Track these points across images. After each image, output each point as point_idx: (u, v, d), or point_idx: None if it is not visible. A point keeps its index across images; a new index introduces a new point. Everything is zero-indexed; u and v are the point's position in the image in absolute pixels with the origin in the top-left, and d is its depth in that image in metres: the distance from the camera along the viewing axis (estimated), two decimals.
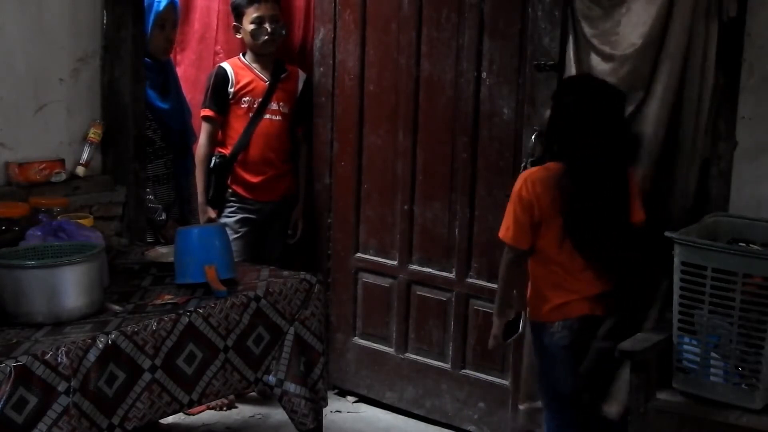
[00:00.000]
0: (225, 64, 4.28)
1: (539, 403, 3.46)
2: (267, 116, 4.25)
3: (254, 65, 4.27)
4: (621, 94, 3.20)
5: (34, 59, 3.40)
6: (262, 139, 4.24)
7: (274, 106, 4.26)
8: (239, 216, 4.26)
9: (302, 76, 4.36)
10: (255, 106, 4.23)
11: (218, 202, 4.25)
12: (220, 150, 4.26)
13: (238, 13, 4.25)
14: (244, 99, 4.23)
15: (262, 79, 4.25)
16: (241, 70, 4.26)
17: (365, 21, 4.14)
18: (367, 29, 4.14)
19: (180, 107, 4.15)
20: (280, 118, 4.28)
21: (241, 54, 4.33)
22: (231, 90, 4.22)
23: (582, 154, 3.13)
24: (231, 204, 4.27)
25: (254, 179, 4.26)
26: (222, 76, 4.23)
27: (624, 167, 3.19)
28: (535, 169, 3.23)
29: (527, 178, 3.18)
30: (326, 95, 4.29)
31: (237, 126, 4.24)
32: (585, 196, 3.12)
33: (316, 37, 4.30)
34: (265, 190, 4.29)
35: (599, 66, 3.47)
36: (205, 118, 4.25)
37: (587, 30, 3.44)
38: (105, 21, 3.58)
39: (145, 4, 3.77)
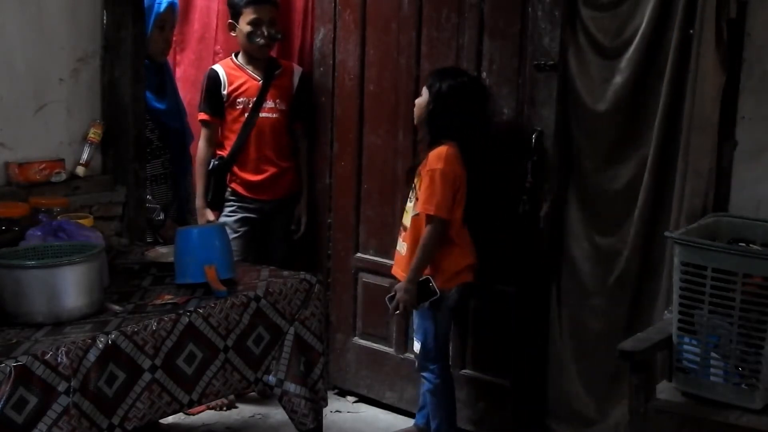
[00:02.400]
0: (217, 67, 4.27)
1: None
2: (263, 115, 4.23)
3: (247, 66, 4.25)
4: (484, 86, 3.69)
5: (34, 59, 3.40)
6: (259, 139, 4.22)
7: (269, 104, 4.24)
8: (239, 215, 4.26)
9: (297, 70, 4.33)
10: (250, 106, 4.22)
11: (218, 204, 4.25)
12: (219, 152, 4.25)
13: (235, 12, 4.22)
14: (238, 100, 4.21)
15: (255, 79, 4.23)
16: (233, 71, 4.24)
17: (365, 21, 4.14)
18: (367, 29, 4.14)
19: (177, 107, 4.15)
20: (277, 115, 4.26)
21: (233, 54, 4.31)
22: (224, 92, 4.20)
23: (466, 135, 3.61)
24: (230, 203, 4.26)
25: (254, 178, 4.25)
26: (213, 79, 4.21)
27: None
28: (446, 147, 3.58)
29: (448, 156, 3.56)
30: (326, 95, 4.29)
31: (234, 127, 4.23)
32: (471, 172, 3.63)
33: (316, 37, 4.30)
34: (265, 189, 4.28)
35: (600, 63, 3.48)
36: (201, 122, 4.25)
37: (590, 25, 3.45)
38: (105, 21, 3.58)
39: (146, 5, 3.77)
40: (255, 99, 4.21)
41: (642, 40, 3.34)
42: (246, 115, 4.21)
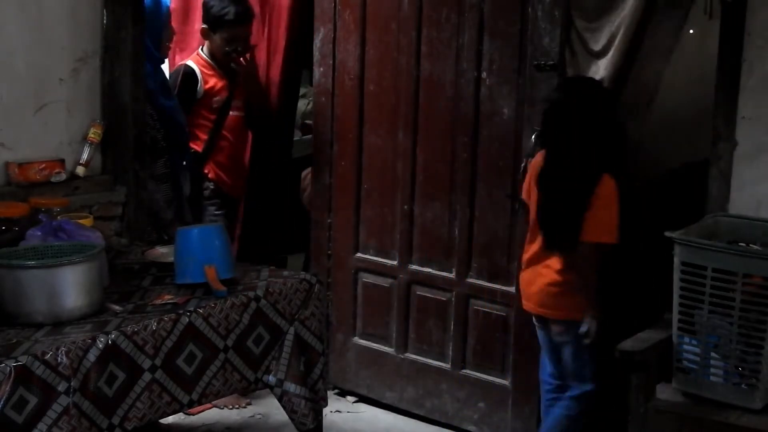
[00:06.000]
0: None
1: None
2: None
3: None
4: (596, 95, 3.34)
5: (34, 59, 3.39)
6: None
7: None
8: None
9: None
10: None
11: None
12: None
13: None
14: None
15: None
16: None
17: (365, 21, 4.13)
18: (367, 29, 4.14)
19: (179, 105, 4.16)
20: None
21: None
22: None
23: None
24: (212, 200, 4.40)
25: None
26: None
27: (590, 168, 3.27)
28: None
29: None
30: (326, 95, 4.29)
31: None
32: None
33: (316, 37, 4.29)
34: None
35: (589, 62, 3.50)
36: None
37: (579, 24, 3.48)
38: (105, 21, 3.58)
39: (151, 3, 3.77)
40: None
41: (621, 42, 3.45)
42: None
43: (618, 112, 3.43)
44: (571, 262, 3.28)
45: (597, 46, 3.53)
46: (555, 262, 3.33)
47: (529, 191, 3.46)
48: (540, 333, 3.50)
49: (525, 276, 3.48)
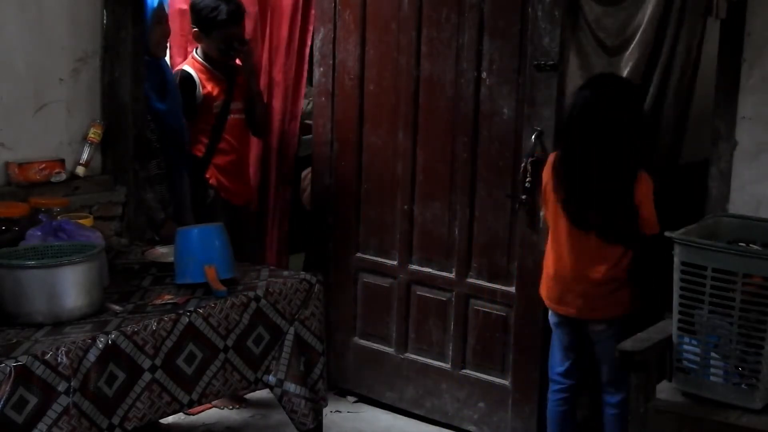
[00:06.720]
0: None
1: None
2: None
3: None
4: (628, 93, 3.33)
5: (34, 59, 3.40)
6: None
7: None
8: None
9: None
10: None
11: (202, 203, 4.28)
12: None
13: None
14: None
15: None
16: None
17: (365, 21, 4.13)
18: (367, 29, 4.14)
19: (176, 107, 4.14)
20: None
21: None
22: None
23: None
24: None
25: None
26: None
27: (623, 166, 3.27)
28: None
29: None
30: (326, 95, 4.29)
31: None
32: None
33: (316, 37, 4.30)
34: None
35: (602, 60, 3.49)
36: None
37: (590, 15, 3.47)
38: (105, 21, 3.58)
39: None
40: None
41: (643, 36, 3.38)
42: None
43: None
44: (619, 258, 3.32)
45: (612, 42, 3.49)
46: (603, 262, 3.32)
47: (553, 193, 3.38)
48: (560, 332, 3.48)
49: (564, 285, 3.40)
